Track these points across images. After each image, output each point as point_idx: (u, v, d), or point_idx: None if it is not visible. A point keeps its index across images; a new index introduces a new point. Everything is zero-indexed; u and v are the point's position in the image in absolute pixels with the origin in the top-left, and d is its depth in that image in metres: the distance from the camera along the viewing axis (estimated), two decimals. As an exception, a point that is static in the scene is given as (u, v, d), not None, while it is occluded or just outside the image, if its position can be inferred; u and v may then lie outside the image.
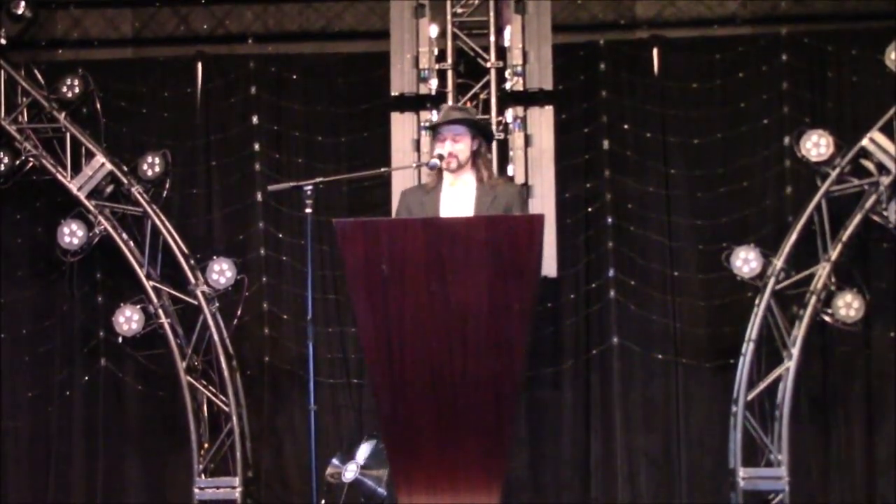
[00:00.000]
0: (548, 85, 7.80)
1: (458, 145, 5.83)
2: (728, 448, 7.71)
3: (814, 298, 7.60)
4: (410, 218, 5.72)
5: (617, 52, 8.27)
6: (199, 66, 8.45)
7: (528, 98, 7.77)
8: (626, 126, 8.23)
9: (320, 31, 8.62)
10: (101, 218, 8.04)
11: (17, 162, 8.20)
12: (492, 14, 7.84)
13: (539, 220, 5.21)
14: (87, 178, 8.07)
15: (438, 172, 5.89)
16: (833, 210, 7.68)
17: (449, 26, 7.85)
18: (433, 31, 7.85)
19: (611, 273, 8.12)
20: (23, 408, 8.42)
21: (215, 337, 7.94)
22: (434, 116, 7.63)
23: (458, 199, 5.83)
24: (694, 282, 8.12)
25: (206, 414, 8.03)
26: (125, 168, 8.14)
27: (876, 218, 7.66)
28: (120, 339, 8.06)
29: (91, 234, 8.07)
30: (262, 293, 8.29)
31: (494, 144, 7.53)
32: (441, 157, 5.82)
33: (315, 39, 8.60)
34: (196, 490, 7.88)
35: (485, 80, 7.80)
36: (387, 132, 7.93)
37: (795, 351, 7.60)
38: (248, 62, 8.46)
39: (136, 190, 8.06)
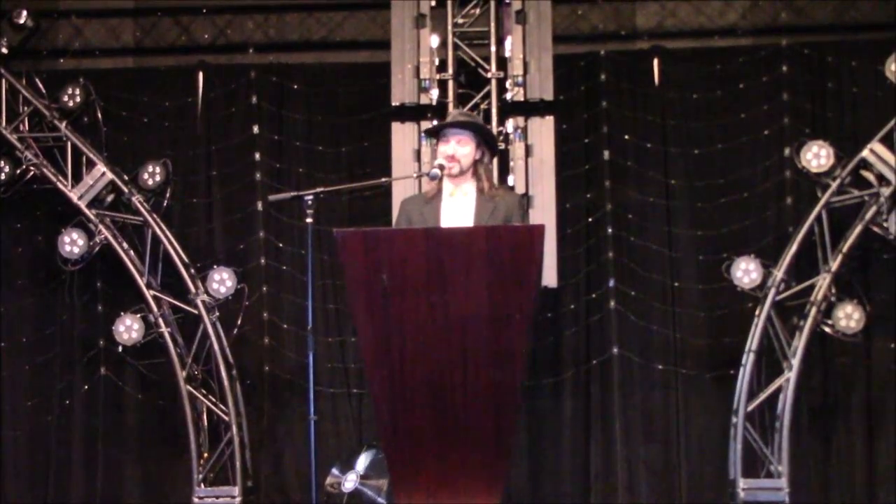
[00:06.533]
0: (548, 95, 7.82)
1: (462, 149, 5.80)
2: (728, 459, 7.70)
3: (814, 309, 7.60)
4: (411, 228, 5.72)
5: (617, 63, 8.28)
6: (201, 75, 8.47)
7: (529, 108, 7.79)
8: (626, 136, 8.24)
9: (321, 40, 8.64)
10: (101, 227, 8.05)
11: (18, 171, 8.21)
12: (493, 24, 7.86)
13: (539, 230, 5.21)
14: (88, 187, 8.08)
15: (438, 181, 5.88)
16: (833, 221, 7.69)
17: (450, 36, 7.86)
18: (434, 41, 7.86)
19: (611, 283, 8.12)
20: (23, 416, 8.42)
21: (215, 346, 7.94)
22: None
23: (459, 208, 5.82)
24: (694, 292, 8.12)
25: (205, 423, 8.03)
26: (126, 177, 8.15)
27: (876, 229, 7.66)
28: (120, 348, 8.07)
29: (91, 243, 8.07)
30: (262, 302, 8.29)
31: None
32: (442, 167, 5.82)
33: (316, 49, 8.62)
34: (195, 499, 7.87)
35: (485, 90, 7.82)
36: (387, 142, 7.94)
37: (796, 362, 7.60)
38: (249, 72, 8.47)
39: (136, 199, 8.06)
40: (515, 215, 5.81)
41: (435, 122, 7.65)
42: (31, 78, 8.28)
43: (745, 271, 7.70)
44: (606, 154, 8.21)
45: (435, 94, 7.81)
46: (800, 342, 7.60)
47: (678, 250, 8.16)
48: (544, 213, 7.67)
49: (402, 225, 5.88)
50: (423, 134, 7.77)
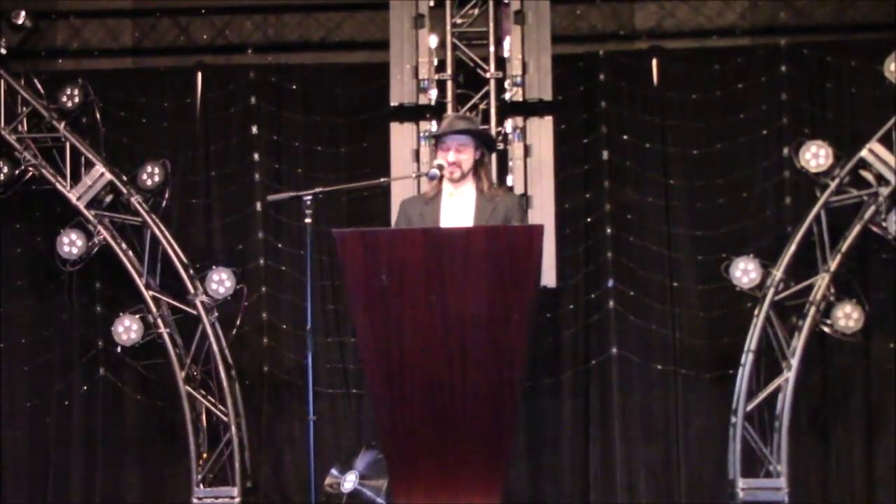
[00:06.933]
0: (547, 95, 7.81)
1: (462, 155, 5.82)
2: (727, 459, 7.70)
3: (813, 309, 7.60)
4: (410, 228, 5.73)
5: (616, 63, 8.28)
6: (199, 75, 8.46)
7: (528, 108, 7.79)
8: (625, 136, 8.23)
9: (320, 41, 8.63)
10: (100, 227, 8.04)
11: (17, 171, 8.20)
12: (491, 24, 7.86)
13: (538, 230, 5.21)
14: (87, 187, 8.07)
15: (438, 182, 5.89)
16: (832, 221, 7.69)
17: (448, 37, 7.86)
18: (433, 41, 7.86)
19: (610, 283, 8.11)
20: (22, 417, 8.42)
21: (214, 347, 7.94)
22: (434, 127, 7.63)
23: (458, 208, 5.83)
24: (693, 292, 8.12)
25: (204, 424, 8.02)
26: (124, 178, 8.15)
27: (875, 229, 7.66)
28: (119, 349, 8.05)
29: (90, 244, 8.07)
30: (261, 303, 8.28)
31: (494, 155, 7.53)
32: (441, 168, 5.83)
33: (315, 50, 8.62)
34: (195, 500, 7.87)
35: (484, 90, 7.81)
36: (386, 142, 7.94)
37: (795, 362, 7.60)
38: (248, 72, 8.47)
39: (135, 199, 8.06)
40: (515, 216, 5.82)
41: (434, 123, 7.67)
42: (29, 78, 8.27)
43: (744, 271, 7.70)
44: (605, 154, 8.20)
45: (434, 94, 7.80)
46: (799, 342, 7.60)
47: (677, 250, 8.16)
48: (543, 213, 7.67)
49: (401, 225, 5.89)
50: (422, 135, 7.77)
